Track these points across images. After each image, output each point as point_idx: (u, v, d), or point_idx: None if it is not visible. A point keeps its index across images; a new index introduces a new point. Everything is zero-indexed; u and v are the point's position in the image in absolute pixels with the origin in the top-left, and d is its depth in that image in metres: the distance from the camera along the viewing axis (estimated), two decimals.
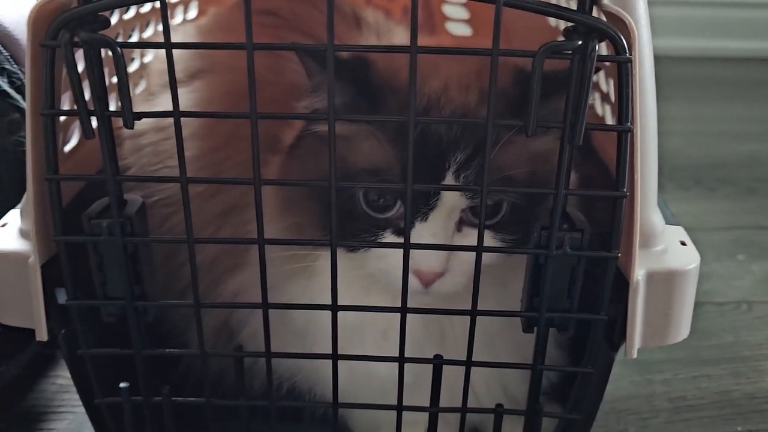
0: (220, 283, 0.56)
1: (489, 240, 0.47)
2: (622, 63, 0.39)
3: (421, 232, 0.46)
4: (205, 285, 0.56)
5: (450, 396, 0.48)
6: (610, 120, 0.55)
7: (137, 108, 0.64)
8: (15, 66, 0.63)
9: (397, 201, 0.46)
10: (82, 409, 0.52)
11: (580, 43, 0.38)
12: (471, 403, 0.48)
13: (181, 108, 0.40)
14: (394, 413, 0.49)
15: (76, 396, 0.52)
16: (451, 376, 0.48)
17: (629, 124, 0.40)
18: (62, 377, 0.69)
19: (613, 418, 0.65)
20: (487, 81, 0.38)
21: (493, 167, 0.43)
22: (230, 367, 0.53)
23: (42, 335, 0.47)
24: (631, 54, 0.39)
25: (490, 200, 0.46)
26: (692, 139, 1.36)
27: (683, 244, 0.49)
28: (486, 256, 0.43)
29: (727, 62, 1.83)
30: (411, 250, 0.43)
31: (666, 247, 0.47)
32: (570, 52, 0.38)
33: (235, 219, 0.55)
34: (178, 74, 0.62)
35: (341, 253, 0.47)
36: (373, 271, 0.48)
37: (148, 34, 0.65)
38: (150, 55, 0.72)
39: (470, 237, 0.46)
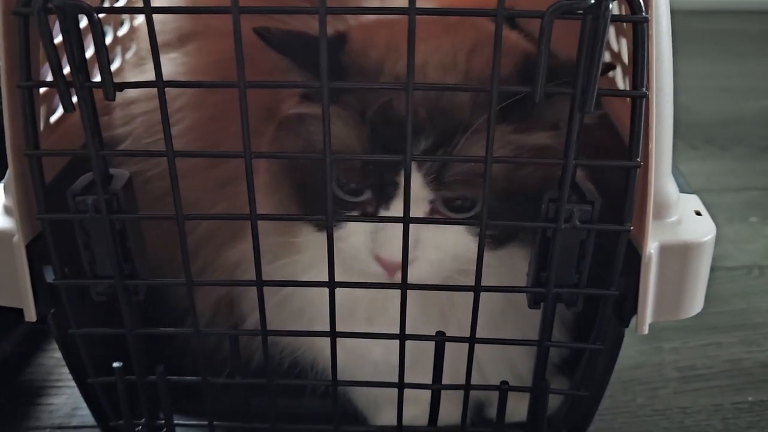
0: (221, 252, 0.54)
1: (463, 233, 0.44)
2: (638, 23, 0.36)
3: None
4: (206, 255, 0.54)
5: (453, 370, 0.47)
6: (620, 83, 0.52)
7: (129, 75, 0.63)
8: None
9: (366, 189, 0.44)
10: None
11: (592, 1, 0.35)
12: (475, 378, 0.47)
13: (172, 76, 0.38)
14: (395, 391, 0.47)
15: None
16: (455, 352, 0.46)
17: (645, 89, 0.37)
18: (59, 350, 0.68)
19: (620, 388, 0.64)
20: (478, 63, 0.35)
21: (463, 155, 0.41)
22: (225, 341, 0.52)
23: (31, 316, 0.45)
24: (647, 13, 0.36)
25: (463, 194, 0.43)
26: (702, 96, 1.32)
27: (698, 214, 0.46)
28: (460, 247, 0.42)
29: (739, 15, 1.77)
30: (374, 235, 0.42)
31: (680, 217, 0.45)
32: (581, 11, 0.35)
33: (231, 191, 0.53)
34: (167, 36, 0.59)
35: (313, 231, 0.46)
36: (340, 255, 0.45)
37: None
38: (141, 17, 0.68)
39: (442, 228, 0.44)
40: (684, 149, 1.11)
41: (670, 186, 0.45)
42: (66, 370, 0.65)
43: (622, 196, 0.41)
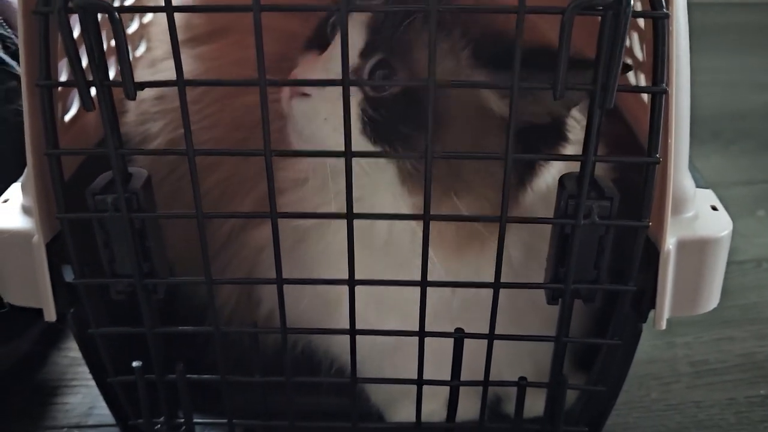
0: (246, 232, 0.54)
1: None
2: (659, 18, 0.36)
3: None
4: (229, 231, 0.54)
5: (470, 361, 0.47)
6: (632, 78, 0.52)
7: (140, 73, 0.63)
8: (9, 30, 0.61)
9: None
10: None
11: None
12: (492, 369, 0.47)
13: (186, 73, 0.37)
14: (412, 386, 0.47)
15: None
16: (471, 344, 0.46)
17: (664, 85, 0.37)
18: (74, 350, 0.68)
19: (634, 382, 0.64)
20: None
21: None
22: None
23: (50, 316, 0.45)
24: (668, 8, 0.36)
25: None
26: (709, 89, 1.31)
27: (714, 209, 0.47)
28: None
29: (744, 7, 1.77)
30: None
31: (697, 212, 0.45)
32: (601, 7, 0.35)
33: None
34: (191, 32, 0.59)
35: None
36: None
37: None
38: (150, 14, 0.68)
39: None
40: (690, 143, 1.11)
41: (688, 181, 0.45)
42: (81, 368, 0.66)
43: (639, 191, 0.41)
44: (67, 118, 0.50)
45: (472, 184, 0.45)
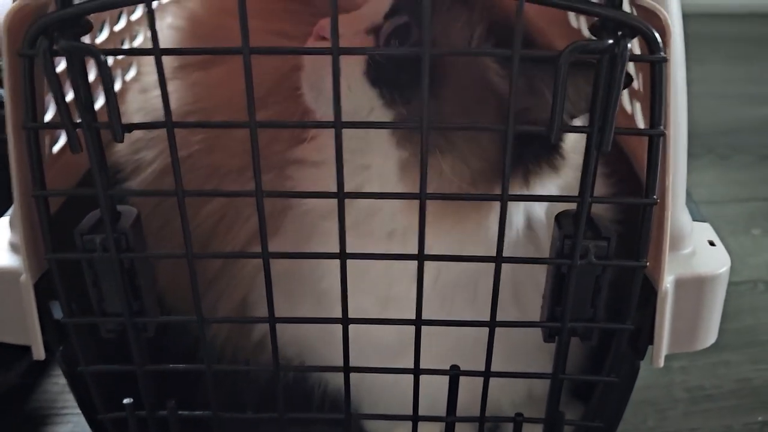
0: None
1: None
2: (656, 62, 0.35)
3: None
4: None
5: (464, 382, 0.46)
6: (628, 105, 0.52)
7: (132, 99, 0.62)
8: None
9: None
10: None
11: (611, 42, 0.34)
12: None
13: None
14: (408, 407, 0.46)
15: None
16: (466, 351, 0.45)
17: (662, 127, 0.37)
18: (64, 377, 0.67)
19: (631, 409, 0.62)
20: None
21: None
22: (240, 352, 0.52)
23: (39, 354, 0.45)
24: (666, 52, 0.35)
25: None
26: (700, 103, 1.30)
27: (712, 244, 0.46)
28: None
29: (735, 18, 1.77)
30: None
31: (694, 249, 0.45)
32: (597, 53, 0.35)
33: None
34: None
35: None
36: None
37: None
38: (141, 37, 0.68)
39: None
40: None
41: (685, 217, 0.44)
42: (71, 396, 0.65)
43: (636, 228, 0.40)
44: (55, 149, 0.49)
45: (456, 145, 0.44)
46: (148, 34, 0.34)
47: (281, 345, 0.43)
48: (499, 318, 0.42)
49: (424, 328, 0.42)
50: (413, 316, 0.42)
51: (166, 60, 0.36)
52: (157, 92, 0.57)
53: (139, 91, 0.59)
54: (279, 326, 0.42)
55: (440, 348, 0.45)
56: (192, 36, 0.54)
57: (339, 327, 0.42)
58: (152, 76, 0.59)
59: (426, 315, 0.41)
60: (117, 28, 0.58)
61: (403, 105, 0.43)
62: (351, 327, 0.42)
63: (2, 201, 0.51)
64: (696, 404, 0.65)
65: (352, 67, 0.43)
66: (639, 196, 0.39)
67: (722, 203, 0.99)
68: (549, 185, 0.45)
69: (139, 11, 0.65)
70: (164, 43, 0.36)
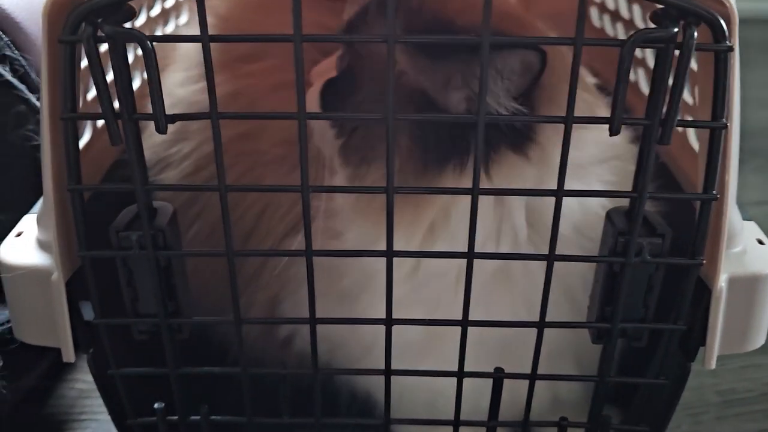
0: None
1: None
2: (722, 52, 0.34)
3: None
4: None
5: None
6: None
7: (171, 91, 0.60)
8: (17, 52, 0.58)
9: None
10: (105, 416, 0.49)
11: (676, 30, 0.33)
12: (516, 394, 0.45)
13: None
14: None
15: (98, 401, 0.49)
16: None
17: (724, 120, 0.36)
18: (81, 381, 0.65)
19: None
20: None
21: None
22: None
23: (69, 356, 0.43)
24: (731, 41, 0.34)
25: None
26: None
27: (761, 242, 0.45)
28: None
29: (748, 24, 1.77)
30: None
31: (745, 247, 0.44)
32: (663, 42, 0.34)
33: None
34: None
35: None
36: None
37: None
38: (172, 24, 0.66)
39: None
40: None
41: (736, 215, 0.43)
42: (90, 401, 0.63)
43: (680, 225, 0.39)
44: (82, 143, 0.48)
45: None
46: (174, 25, 0.33)
47: (307, 343, 0.42)
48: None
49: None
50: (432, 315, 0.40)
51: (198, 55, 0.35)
52: (193, 86, 0.56)
53: (179, 84, 0.57)
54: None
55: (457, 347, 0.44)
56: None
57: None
58: (195, 71, 0.57)
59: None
60: (153, 13, 0.57)
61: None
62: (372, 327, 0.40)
63: (26, 194, 0.50)
64: (729, 408, 0.64)
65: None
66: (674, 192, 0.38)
67: (740, 207, 0.98)
68: (520, 177, 0.43)
69: None
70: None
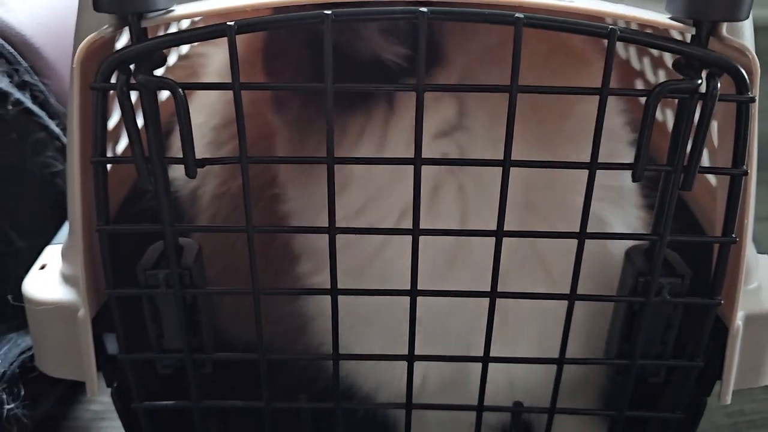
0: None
1: None
2: (744, 102, 0.35)
3: None
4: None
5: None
6: None
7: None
8: (36, 78, 0.59)
9: None
10: None
11: (700, 81, 0.34)
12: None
13: None
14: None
15: (114, 423, 0.49)
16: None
17: (744, 167, 0.36)
18: (97, 403, 0.66)
19: None
20: None
21: None
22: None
23: (93, 391, 0.43)
24: (753, 92, 0.35)
25: None
26: None
27: None
28: None
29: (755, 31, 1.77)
30: None
31: (760, 283, 0.44)
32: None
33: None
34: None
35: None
36: None
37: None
38: (174, 56, 0.67)
39: None
40: None
41: (752, 251, 0.44)
42: (105, 423, 0.64)
43: (696, 264, 0.40)
44: None
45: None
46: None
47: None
48: None
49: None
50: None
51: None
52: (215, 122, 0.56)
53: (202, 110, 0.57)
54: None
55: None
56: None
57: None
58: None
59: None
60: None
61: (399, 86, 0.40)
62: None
63: (45, 222, 0.50)
64: (738, 430, 0.64)
65: None
66: (689, 233, 0.38)
67: None
68: None
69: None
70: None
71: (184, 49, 0.69)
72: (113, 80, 0.35)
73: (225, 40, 0.33)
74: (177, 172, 0.57)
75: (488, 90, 0.36)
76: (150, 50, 0.34)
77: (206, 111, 0.58)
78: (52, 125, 0.57)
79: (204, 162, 0.37)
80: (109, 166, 0.49)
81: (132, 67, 0.35)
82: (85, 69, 0.36)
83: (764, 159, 1.24)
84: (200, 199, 0.55)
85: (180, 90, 0.34)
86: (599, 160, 0.35)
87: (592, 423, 0.50)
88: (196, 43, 0.71)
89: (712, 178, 0.47)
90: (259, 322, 0.41)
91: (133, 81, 0.35)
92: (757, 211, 1.05)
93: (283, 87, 0.39)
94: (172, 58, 0.66)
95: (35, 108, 0.56)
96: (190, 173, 0.36)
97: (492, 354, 0.41)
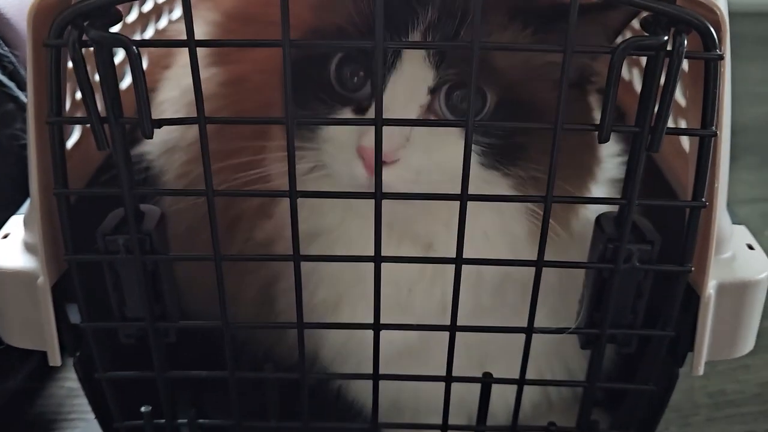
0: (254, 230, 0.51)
1: (458, 140, 0.38)
2: (712, 60, 0.34)
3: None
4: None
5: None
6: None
7: (167, 85, 0.59)
8: (6, 49, 0.58)
9: (368, 80, 0.40)
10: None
11: (666, 38, 0.33)
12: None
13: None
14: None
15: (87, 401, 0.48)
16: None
17: (714, 128, 0.36)
18: (71, 380, 0.65)
19: None
20: None
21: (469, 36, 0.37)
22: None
23: (55, 360, 0.43)
24: (721, 50, 0.34)
25: (459, 77, 0.39)
26: None
27: (750, 247, 0.45)
28: (451, 155, 0.38)
29: (743, 17, 1.76)
30: (361, 128, 0.38)
31: (734, 253, 0.44)
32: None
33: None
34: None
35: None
36: (322, 158, 0.42)
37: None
38: (151, 30, 0.66)
39: (436, 131, 0.39)
40: None
41: (726, 220, 0.43)
42: (79, 401, 0.63)
43: (668, 232, 0.39)
44: (69, 144, 0.47)
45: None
46: (167, 20, 0.33)
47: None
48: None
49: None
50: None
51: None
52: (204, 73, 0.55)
53: (177, 86, 0.56)
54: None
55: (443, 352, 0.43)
56: (226, 31, 0.52)
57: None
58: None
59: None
60: (145, 9, 0.56)
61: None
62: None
63: (14, 195, 0.49)
64: (719, 410, 0.64)
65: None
66: (663, 199, 0.38)
67: (732, 204, 0.98)
68: None
69: None
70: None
71: (162, 23, 0.68)
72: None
73: (202, 13, 0.32)
74: (148, 146, 0.58)
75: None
76: (104, 5, 0.33)
77: (180, 88, 0.57)
78: (22, 96, 0.56)
79: (161, 122, 0.36)
80: (77, 133, 0.49)
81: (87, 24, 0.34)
82: (39, 25, 0.35)
83: (760, 144, 1.24)
84: (167, 175, 0.54)
85: (134, 47, 0.34)
86: None
87: None
88: (174, 18, 0.70)
89: (686, 144, 0.47)
90: (221, 289, 0.40)
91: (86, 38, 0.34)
92: (749, 194, 1.05)
93: (241, 44, 0.38)
94: (149, 32, 0.65)
95: (4, 78, 0.56)
96: (146, 133, 0.35)
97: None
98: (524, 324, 0.40)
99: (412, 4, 0.39)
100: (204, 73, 0.35)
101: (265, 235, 0.49)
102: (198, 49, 0.33)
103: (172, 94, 0.58)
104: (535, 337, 0.41)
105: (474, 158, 0.39)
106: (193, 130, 0.52)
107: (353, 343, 0.47)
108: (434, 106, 0.40)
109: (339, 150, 0.40)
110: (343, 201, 0.42)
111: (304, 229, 0.40)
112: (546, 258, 0.38)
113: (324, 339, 0.48)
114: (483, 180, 0.40)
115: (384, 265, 0.38)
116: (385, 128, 0.34)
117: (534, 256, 0.38)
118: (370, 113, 0.37)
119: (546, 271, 0.38)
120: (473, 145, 0.36)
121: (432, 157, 0.39)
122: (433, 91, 0.40)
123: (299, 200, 0.36)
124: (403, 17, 0.39)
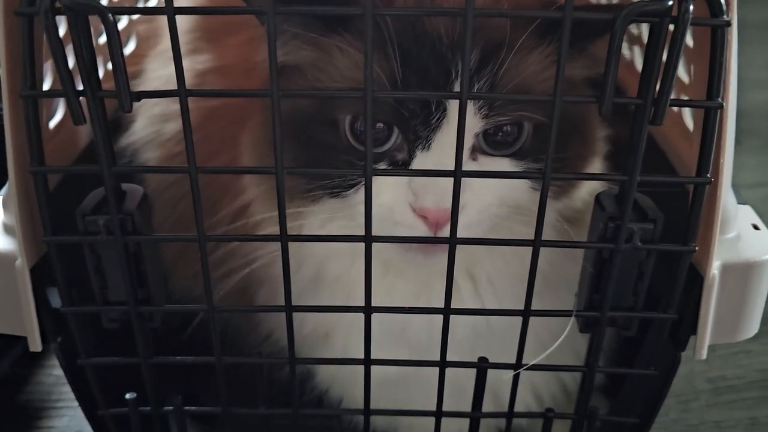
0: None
1: (509, 168, 0.40)
2: (718, 27, 0.32)
3: (423, 163, 0.38)
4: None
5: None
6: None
7: (154, 65, 0.57)
8: None
9: (393, 129, 0.39)
10: None
11: (671, 3, 0.31)
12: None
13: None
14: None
15: None
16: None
17: (720, 99, 0.34)
18: (59, 367, 0.63)
19: None
20: None
21: (509, 76, 0.38)
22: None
23: (36, 345, 0.41)
24: (728, 16, 0.32)
25: (509, 119, 0.39)
26: None
27: (756, 227, 0.43)
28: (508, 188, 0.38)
29: (742, 2, 1.74)
30: (412, 184, 0.37)
31: (739, 233, 0.42)
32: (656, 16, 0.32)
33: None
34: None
35: (323, 201, 0.40)
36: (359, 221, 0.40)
37: None
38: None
39: (485, 167, 0.40)
40: None
41: (730, 199, 0.41)
42: (67, 388, 0.61)
43: (670, 211, 0.38)
44: (52, 124, 0.46)
45: None
46: None
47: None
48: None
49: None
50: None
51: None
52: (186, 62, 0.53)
53: (166, 62, 0.54)
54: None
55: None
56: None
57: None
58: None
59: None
60: None
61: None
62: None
63: None
64: (719, 395, 0.63)
65: None
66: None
67: (735, 188, 0.97)
68: None
69: None
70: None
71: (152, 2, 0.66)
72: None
73: None
74: (132, 138, 0.56)
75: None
76: None
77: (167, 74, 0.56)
78: None
79: (140, 95, 0.34)
80: (60, 112, 0.47)
81: None
82: None
83: (762, 128, 1.22)
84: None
85: (110, 15, 0.32)
86: None
87: None
88: None
89: (690, 123, 0.45)
90: (206, 271, 0.38)
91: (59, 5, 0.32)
92: (752, 178, 1.04)
93: (223, 11, 0.36)
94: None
95: None
96: (125, 107, 0.34)
97: None
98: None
99: (443, 54, 0.38)
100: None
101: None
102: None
103: (160, 72, 0.56)
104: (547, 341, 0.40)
105: (525, 184, 0.40)
106: (175, 124, 0.51)
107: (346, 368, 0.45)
108: (476, 145, 0.40)
109: (391, 211, 0.39)
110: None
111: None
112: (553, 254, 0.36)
113: (316, 367, 0.47)
114: (533, 202, 0.38)
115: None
116: (443, 184, 0.35)
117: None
118: (415, 164, 0.38)
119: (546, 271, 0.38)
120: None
121: (491, 194, 0.39)
122: (477, 134, 0.39)
123: None
124: (444, 67, 0.38)
